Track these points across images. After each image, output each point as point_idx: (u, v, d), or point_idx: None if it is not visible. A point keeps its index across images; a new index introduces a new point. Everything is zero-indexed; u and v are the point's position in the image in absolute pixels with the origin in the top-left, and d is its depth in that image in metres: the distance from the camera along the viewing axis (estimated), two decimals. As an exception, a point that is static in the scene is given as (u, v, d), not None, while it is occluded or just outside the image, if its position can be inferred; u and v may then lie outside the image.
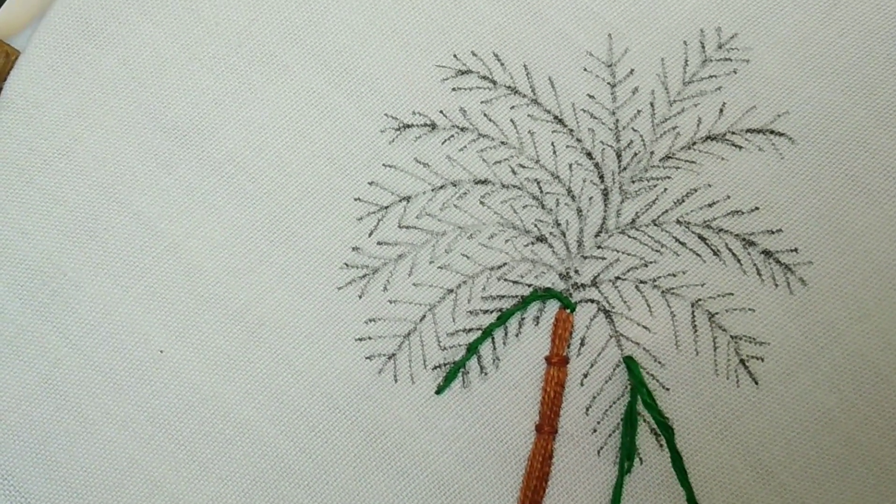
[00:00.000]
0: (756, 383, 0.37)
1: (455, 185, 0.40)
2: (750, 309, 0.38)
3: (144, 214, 0.41)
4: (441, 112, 0.40)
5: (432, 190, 0.40)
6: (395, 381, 0.39)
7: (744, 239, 0.39)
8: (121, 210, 0.41)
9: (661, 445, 0.39)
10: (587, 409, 0.38)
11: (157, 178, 0.41)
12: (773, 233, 0.38)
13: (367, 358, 0.39)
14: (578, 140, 0.40)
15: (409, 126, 0.40)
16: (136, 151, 0.41)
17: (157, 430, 0.39)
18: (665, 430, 0.37)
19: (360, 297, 0.39)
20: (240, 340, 0.39)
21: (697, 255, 0.38)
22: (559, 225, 0.39)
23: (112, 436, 0.39)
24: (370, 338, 0.39)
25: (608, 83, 0.40)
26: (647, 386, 0.37)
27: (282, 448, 0.38)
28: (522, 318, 0.39)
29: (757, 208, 0.39)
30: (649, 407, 0.37)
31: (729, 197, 0.39)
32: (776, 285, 0.38)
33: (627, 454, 0.38)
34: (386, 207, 0.40)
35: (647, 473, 0.37)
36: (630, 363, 0.37)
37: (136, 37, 0.42)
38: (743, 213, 0.39)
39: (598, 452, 0.37)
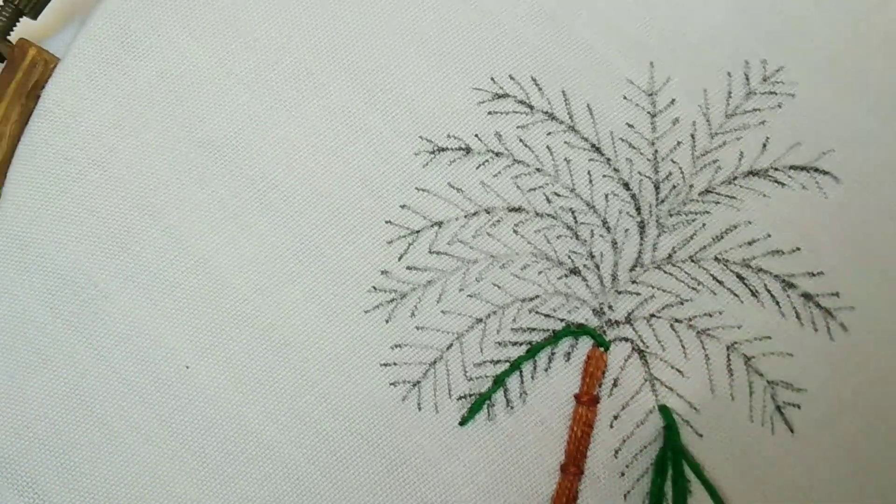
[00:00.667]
0: (792, 431, 0.31)
1: (488, 213, 0.34)
2: (788, 354, 0.32)
3: (175, 228, 0.35)
4: (476, 136, 0.34)
5: (465, 216, 0.34)
6: (419, 409, 0.33)
7: (783, 280, 0.32)
8: (153, 223, 0.35)
9: (691, 492, 0.31)
10: (616, 452, 0.32)
11: (190, 192, 0.35)
12: (814, 275, 0.32)
13: (391, 384, 0.33)
14: (616, 170, 0.34)
15: (443, 149, 0.34)
16: (170, 165, 0.35)
17: (180, 445, 0.33)
18: (709, 489, 0.31)
19: (387, 321, 0.34)
20: (265, 360, 0.34)
21: (735, 294, 0.32)
22: (593, 257, 0.33)
23: (136, 449, 0.34)
24: (395, 364, 0.33)
25: (648, 112, 0.34)
26: (685, 451, 0.31)
27: (303, 470, 0.33)
28: (553, 353, 0.33)
29: (798, 249, 0.32)
30: (694, 468, 0.31)
31: (770, 235, 0.33)
32: (816, 330, 0.32)
33: (656, 501, 0.34)
34: (417, 232, 0.34)
35: None
36: (667, 417, 0.31)
37: (174, 50, 0.36)
38: (784, 253, 0.32)
39: (625, 497, 0.31)
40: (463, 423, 0.32)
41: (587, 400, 0.32)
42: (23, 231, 0.35)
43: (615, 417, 0.32)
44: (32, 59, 0.37)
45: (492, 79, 0.35)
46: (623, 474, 0.31)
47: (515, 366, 0.32)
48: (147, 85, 0.36)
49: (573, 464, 0.31)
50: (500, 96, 0.35)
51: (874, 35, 0.33)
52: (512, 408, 0.32)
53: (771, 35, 0.34)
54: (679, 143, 0.33)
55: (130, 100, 0.36)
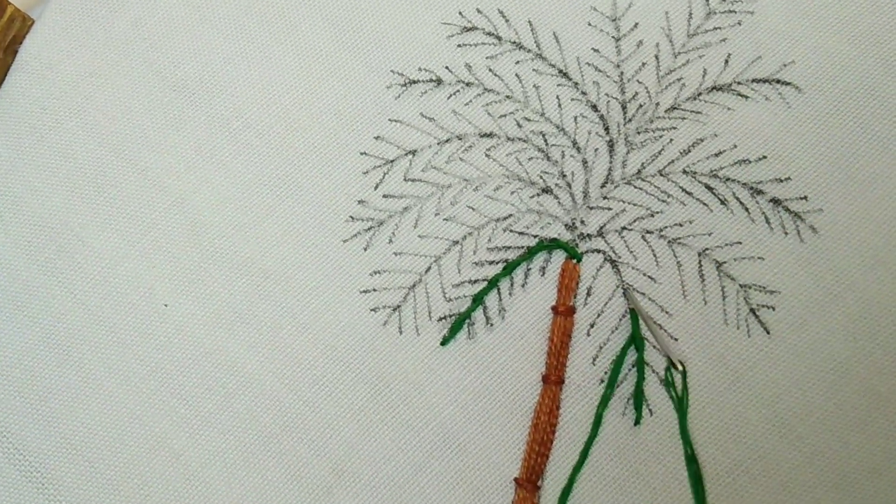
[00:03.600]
0: (768, 333, 0.34)
1: (460, 139, 0.37)
2: (759, 258, 0.35)
3: (152, 170, 0.38)
4: (447, 68, 0.38)
5: (438, 143, 0.37)
6: (400, 332, 0.35)
7: (751, 188, 0.35)
8: (129, 167, 0.38)
9: (671, 398, 0.36)
10: (594, 359, 0.34)
11: (166, 135, 0.38)
12: (781, 181, 0.35)
13: (372, 310, 0.36)
14: (583, 93, 0.37)
15: (414, 82, 0.38)
16: (145, 109, 0.38)
17: (159, 384, 0.36)
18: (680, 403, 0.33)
19: (366, 249, 0.36)
20: (244, 294, 0.36)
21: (704, 204, 0.35)
22: (565, 176, 0.36)
23: (114, 391, 0.36)
24: (375, 290, 0.36)
25: (613, 37, 0.37)
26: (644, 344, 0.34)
27: (285, 402, 0.35)
28: (528, 269, 0.36)
29: (764, 157, 0.36)
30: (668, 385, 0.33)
31: (736, 146, 0.36)
32: (786, 233, 0.35)
33: (636, 404, 0.33)
34: (392, 161, 0.37)
35: (658, 425, 0.34)
36: (634, 315, 0.34)
37: None
38: (750, 161, 0.35)
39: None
40: (444, 343, 0.35)
41: (564, 310, 0.35)
42: (-1, 181, 0.39)
43: (591, 326, 0.35)
44: (11, 15, 0.40)
45: (460, 13, 0.39)
46: (602, 381, 0.34)
47: (493, 283, 0.35)
48: (122, 34, 0.40)
49: (554, 374, 0.34)
50: (468, 29, 0.38)
51: None
52: (491, 325, 0.35)
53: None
54: (644, 64, 0.37)
55: (106, 49, 0.40)
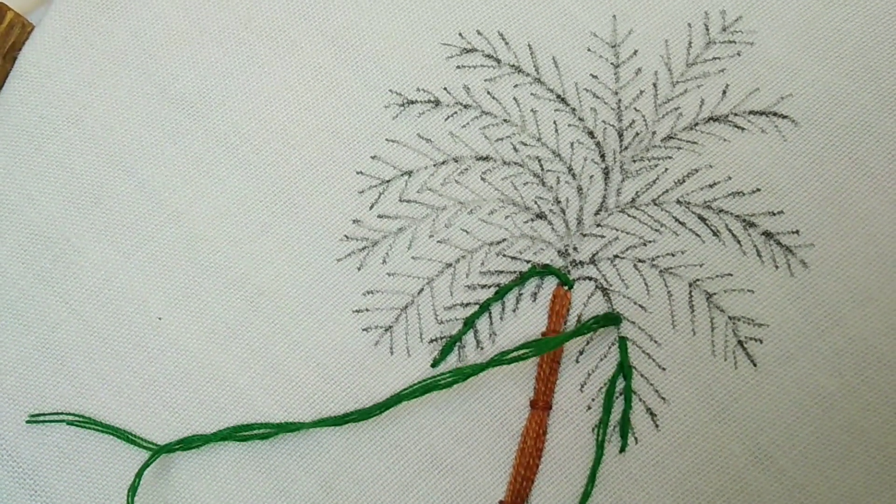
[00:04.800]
0: (754, 365, 0.35)
1: (457, 161, 0.38)
2: (749, 290, 0.36)
3: (149, 183, 0.39)
4: (445, 89, 0.39)
5: (434, 165, 0.38)
6: (392, 353, 0.36)
7: (744, 220, 0.36)
8: (126, 178, 0.39)
9: (657, 426, 0.35)
10: (582, 386, 0.36)
11: (163, 147, 0.39)
12: (774, 214, 0.36)
13: (363, 329, 0.37)
14: (580, 119, 0.38)
15: (412, 102, 0.39)
16: (143, 121, 0.39)
17: (151, 396, 0.37)
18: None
19: (359, 269, 0.37)
20: (238, 309, 0.37)
21: (697, 235, 0.36)
22: (559, 202, 0.37)
23: (106, 401, 0.37)
24: (368, 310, 0.37)
25: (612, 63, 0.38)
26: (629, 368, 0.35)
27: (275, 418, 0.36)
28: (520, 294, 0.37)
29: (758, 190, 0.37)
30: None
31: (730, 178, 0.37)
32: (776, 267, 0.36)
33: (622, 432, 0.34)
34: (388, 181, 0.38)
35: (643, 453, 0.35)
36: (623, 344, 0.35)
37: (147, 10, 0.40)
38: (744, 194, 0.36)
39: (593, 430, 0.35)
40: (434, 364, 0.37)
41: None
42: (-4, 188, 0.40)
43: (580, 353, 0.36)
44: (10, 21, 0.42)
45: (460, 34, 0.40)
46: (589, 407, 0.36)
47: (484, 307, 0.37)
48: (121, 44, 0.41)
49: (542, 399, 0.36)
50: (468, 51, 0.40)
51: (852, 0, 0.38)
52: (482, 348, 0.37)
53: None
54: (642, 91, 0.38)
55: (104, 59, 0.41)
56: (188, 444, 0.36)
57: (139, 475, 0.35)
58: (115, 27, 0.41)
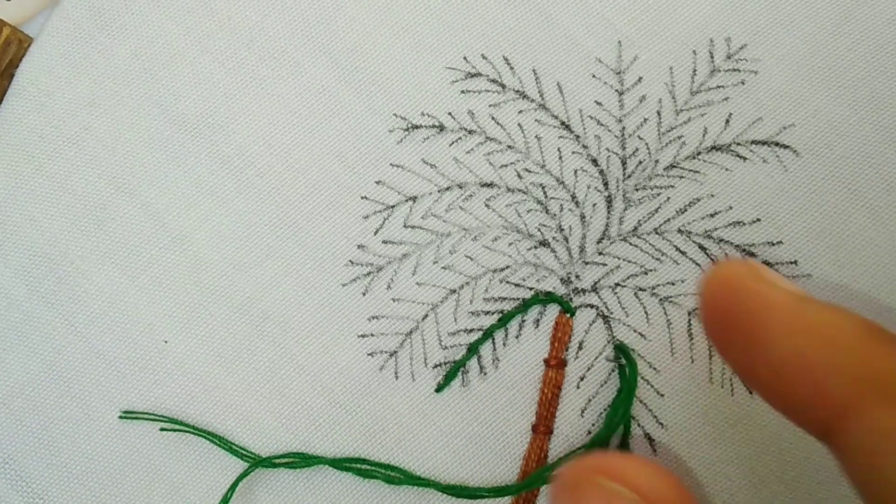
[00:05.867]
0: (750, 393, 0.37)
1: (461, 188, 0.39)
2: None
3: (152, 205, 0.40)
4: (450, 114, 0.39)
5: (438, 191, 0.39)
6: (396, 377, 0.38)
7: (744, 250, 0.38)
8: (129, 200, 0.40)
9: (655, 451, 0.38)
10: (582, 412, 0.37)
11: (166, 169, 0.40)
12: (773, 244, 0.38)
13: (368, 354, 0.38)
14: (584, 146, 0.39)
15: (417, 127, 0.39)
16: (145, 143, 0.40)
17: (159, 420, 0.38)
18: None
19: (364, 294, 0.38)
20: (244, 333, 0.38)
21: (697, 264, 0.38)
22: (562, 230, 0.38)
23: (114, 424, 0.38)
24: (373, 335, 0.38)
25: (616, 90, 0.39)
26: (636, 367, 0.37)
27: (282, 441, 0.38)
28: (523, 321, 0.38)
29: (758, 220, 0.38)
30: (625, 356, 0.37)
31: (731, 208, 0.38)
32: None
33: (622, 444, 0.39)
34: (392, 207, 0.39)
35: None
36: (623, 349, 0.37)
37: (148, 28, 0.40)
38: (744, 224, 0.38)
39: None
40: (439, 389, 0.38)
41: (556, 363, 0.38)
42: (-3, 209, 0.41)
43: (581, 379, 0.38)
44: (6, 38, 0.42)
45: (464, 58, 0.41)
46: (590, 432, 0.37)
47: (488, 334, 0.38)
48: (122, 63, 0.41)
49: (543, 424, 0.37)
50: (472, 75, 0.40)
51: (857, 31, 0.39)
52: (485, 374, 0.38)
53: (736, 14, 0.40)
54: (645, 119, 0.40)
55: (105, 78, 0.41)
56: (293, 463, 0.37)
57: (233, 488, 0.37)
58: (114, 45, 0.41)
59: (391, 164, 0.40)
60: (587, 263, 0.39)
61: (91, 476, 0.39)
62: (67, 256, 0.40)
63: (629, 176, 0.39)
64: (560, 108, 0.40)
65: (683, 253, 0.38)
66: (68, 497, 0.38)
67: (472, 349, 0.38)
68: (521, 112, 0.40)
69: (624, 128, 0.39)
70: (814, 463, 0.37)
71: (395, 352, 0.39)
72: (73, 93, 0.41)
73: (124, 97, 0.41)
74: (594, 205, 0.39)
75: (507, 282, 0.39)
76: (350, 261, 0.39)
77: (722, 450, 0.37)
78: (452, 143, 0.40)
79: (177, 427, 0.38)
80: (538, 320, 0.38)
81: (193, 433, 0.38)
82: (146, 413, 0.38)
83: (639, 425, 0.37)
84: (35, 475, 0.39)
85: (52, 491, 0.39)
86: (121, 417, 0.38)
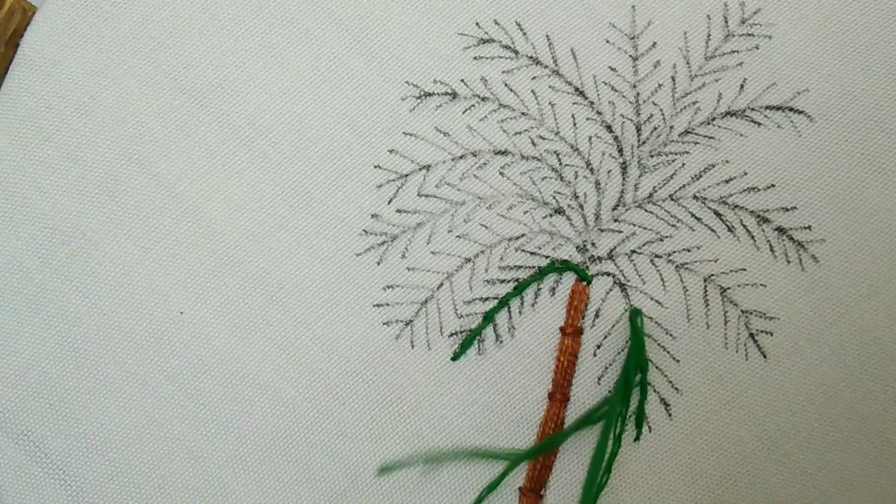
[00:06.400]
0: (764, 357, 0.37)
1: (475, 155, 0.39)
2: (762, 284, 0.38)
3: (164, 176, 0.40)
4: (462, 81, 0.39)
5: (452, 159, 0.39)
6: (412, 346, 0.38)
7: (758, 216, 0.38)
8: (140, 171, 0.40)
9: (671, 415, 0.38)
10: (599, 379, 0.38)
11: (177, 139, 0.40)
12: (787, 210, 0.38)
13: (384, 324, 0.39)
14: (599, 113, 0.39)
15: (429, 94, 0.39)
16: (155, 112, 0.40)
17: (176, 389, 0.39)
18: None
19: (379, 263, 0.39)
20: (259, 303, 0.39)
21: (712, 230, 0.38)
22: (577, 197, 0.39)
23: (131, 394, 0.39)
24: (388, 304, 0.39)
25: (630, 56, 0.39)
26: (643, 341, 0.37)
27: (300, 409, 0.38)
28: (539, 289, 0.38)
29: (773, 185, 0.38)
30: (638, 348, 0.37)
31: (746, 173, 0.38)
32: (788, 262, 0.38)
33: (637, 422, 0.37)
34: (406, 175, 0.39)
35: (657, 441, 0.37)
36: (634, 316, 0.37)
37: None
38: (759, 189, 0.38)
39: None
40: (455, 358, 0.39)
41: (572, 331, 0.38)
42: (6, 180, 0.40)
43: (598, 347, 0.38)
44: (10, 7, 0.41)
45: (477, 24, 0.40)
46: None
47: (504, 302, 0.39)
48: (129, 31, 0.41)
49: (559, 392, 0.38)
50: (485, 41, 0.40)
51: None
52: (501, 342, 0.39)
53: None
54: (660, 85, 0.40)
55: (112, 47, 0.41)
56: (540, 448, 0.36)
57: (493, 486, 0.37)
58: (121, 13, 0.41)
59: (404, 133, 0.40)
60: (603, 231, 0.39)
61: (110, 446, 0.39)
62: (80, 228, 0.40)
63: (644, 142, 0.39)
64: (574, 74, 0.40)
65: (699, 219, 0.39)
66: (88, 468, 0.39)
67: (488, 317, 0.39)
68: (534, 78, 0.40)
69: (638, 94, 0.39)
70: (825, 423, 0.38)
71: (411, 321, 0.39)
72: (80, 62, 0.41)
73: (132, 66, 0.41)
74: (609, 172, 0.39)
75: (523, 250, 0.39)
76: (364, 230, 0.39)
77: (736, 413, 0.38)
78: (465, 110, 0.40)
79: (437, 460, 0.38)
80: (554, 288, 0.39)
81: (458, 460, 0.37)
82: (398, 464, 0.38)
83: (654, 391, 0.38)
84: (53, 447, 0.39)
85: (71, 462, 0.39)
86: (379, 475, 0.38)
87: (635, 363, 0.36)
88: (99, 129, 0.41)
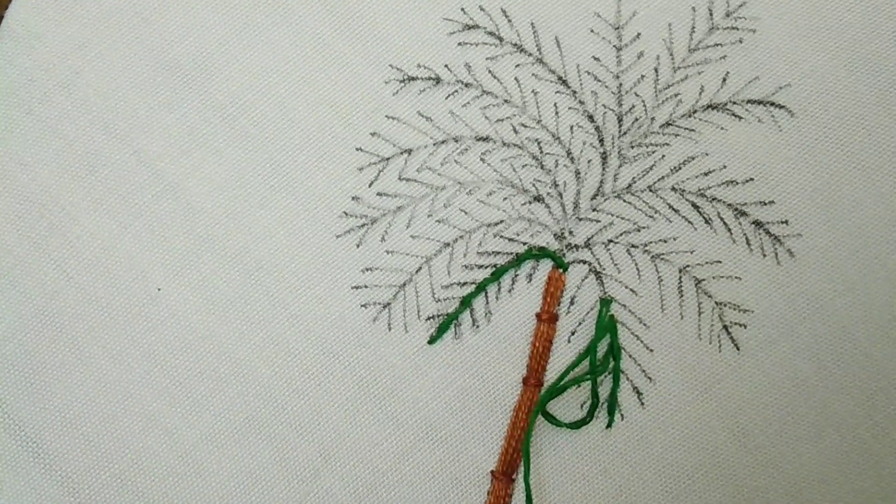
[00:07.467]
0: (738, 349, 0.38)
1: (456, 141, 0.40)
2: (736, 277, 0.38)
3: (144, 152, 0.40)
4: (446, 66, 0.40)
5: (434, 144, 0.40)
6: (389, 329, 0.39)
7: (736, 209, 0.38)
8: (121, 147, 0.40)
9: (643, 404, 0.39)
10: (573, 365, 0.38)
11: (159, 116, 0.40)
12: (765, 204, 0.38)
13: (362, 306, 0.39)
14: (581, 102, 0.39)
15: (413, 78, 0.40)
16: (137, 88, 0.40)
17: (152, 365, 0.39)
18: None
19: (358, 246, 0.39)
20: (237, 282, 0.39)
21: (689, 222, 0.38)
22: (557, 186, 0.39)
23: (107, 369, 0.39)
24: (366, 286, 0.39)
25: (614, 46, 0.40)
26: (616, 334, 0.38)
27: (275, 389, 0.39)
28: (516, 275, 0.39)
29: (751, 179, 0.39)
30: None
31: (725, 167, 0.39)
32: (764, 255, 0.38)
33: (609, 409, 0.38)
34: (387, 159, 0.40)
35: (629, 429, 0.38)
36: (604, 306, 0.38)
37: None
38: (737, 183, 0.39)
39: (582, 406, 0.38)
40: (431, 341, 0.39)
41: (547, 318, 0.39)
42: (-14, 152, 0.41)
43: (572, 333, 0.39)
44: (-7, -24, 0.42)
45: (462, 9, 0.41)
46: (579, 385, 0.39)
47: (481, 287, 0.39)
48: (113, 6, 0.41)
49: (534, 377, 0.39)
50: (470, 27, 0.41)
51: None
52: (477, 327, 0.40)
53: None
54: (643, 76, 0.40)
55: (96, 21, 0.41)
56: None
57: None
58: (106, -13, 0.41)
59: (386, 116, 0.40)
60: (581, 219, 0.40)
61: (84, 420, 0.40)
62: (59, 202, 0.41)
63: (625, 133, 0.40)
64: (557, 62, 0.40)
65: (676, 211, 0.39)
66: (61, 441, 0.39)
67: (465, 302, 0.39)
68: (518, 66, 0.40)
69: (621, 84, 0.40)
70: (796, 417, 0.38)
71: (389, 303, 0.40)
72: (63, 35, 0.41)
73: (115, 41, 0.41)
74: (589, 161, 0.40)
75: (501, 236, 0.40)
76: (344, 212, 0.40)
77: (708, 404, 0.39)
78: (448, 95, 0.40)
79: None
80: (531, 275, 0.39)
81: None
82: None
83: (627, 378, 0.39)
84: (28, 419, 0.40)
85: (45, 434, 0.40)
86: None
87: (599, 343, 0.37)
88: (80, 104, 0.41)
